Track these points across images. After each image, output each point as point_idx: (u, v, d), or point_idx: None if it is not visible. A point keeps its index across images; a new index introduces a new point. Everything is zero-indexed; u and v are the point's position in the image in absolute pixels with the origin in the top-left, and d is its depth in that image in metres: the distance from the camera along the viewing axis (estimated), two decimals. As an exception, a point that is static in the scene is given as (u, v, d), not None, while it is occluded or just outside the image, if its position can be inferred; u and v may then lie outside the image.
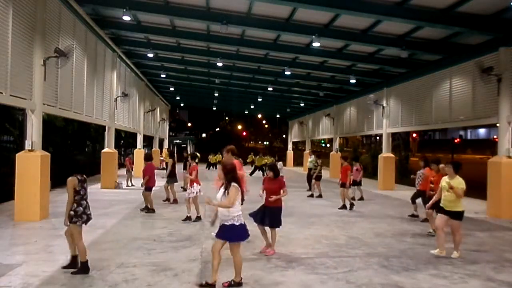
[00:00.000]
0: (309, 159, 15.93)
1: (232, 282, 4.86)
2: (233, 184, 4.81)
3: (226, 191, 4.79)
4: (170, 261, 5.87)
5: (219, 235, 4.83)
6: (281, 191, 6.45)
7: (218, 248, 4.77)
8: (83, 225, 5.33)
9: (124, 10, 11.08)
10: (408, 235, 8.05)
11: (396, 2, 10.02)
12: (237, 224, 4.78)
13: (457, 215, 6.33)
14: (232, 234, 4.79)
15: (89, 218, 5.38)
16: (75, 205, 5.20)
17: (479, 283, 5.21)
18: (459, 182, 6.32)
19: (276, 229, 6.51)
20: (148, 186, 10.22)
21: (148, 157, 10.92)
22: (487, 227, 9.15)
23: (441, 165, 8.29)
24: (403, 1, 9.89)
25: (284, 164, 15.04)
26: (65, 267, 5.29)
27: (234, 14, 11.83)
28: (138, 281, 5.01)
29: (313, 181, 14.45)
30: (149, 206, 10.18)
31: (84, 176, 5.43)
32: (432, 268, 5.80)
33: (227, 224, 4.77)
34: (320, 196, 14.01)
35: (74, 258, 5.31)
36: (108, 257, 6.06)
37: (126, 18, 11.62)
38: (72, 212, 5.17)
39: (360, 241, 7.47)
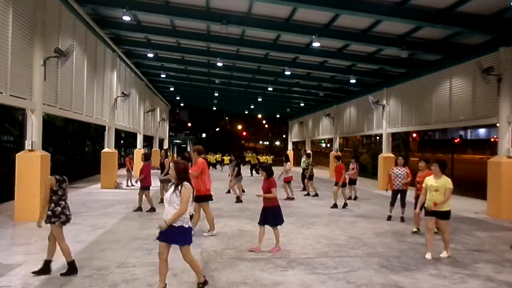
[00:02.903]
0: (302, 160, 16.10)
1: None
2: (185, 184, 4.53)
3: (177, 191, 4.48)
4: (170, 261, 5.83)
5: (163, 237, 4.50)
6: (272, 191, 6.45)
7: (164, 254, 4.52)
8: (65, 225, 5.19)
9: (124, 10, 11.08)
10: (408, 235, 8.04)
11: (396, 2, 10.02)
12: (186, 226, 4.52)
13: (445, 215, 6.31)
14: (181, 237, 4.53)
15: (68, 219, 5.19)
16: (52, 205, 5.07)
17: (479, 283, 5.20)
18: (446, 182, 6.26)
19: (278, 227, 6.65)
20: (145, 185, 10.33)
21: (146, 157, 11.02)
22: (487, 227, 9.15)
23: (420, 164, 8.27)
24: (403, 1, 9.89)
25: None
26: (35, 272, 5.06)
27: (234, 14, 11.84)
28: (138, 281, 5.01)
29: (306, 180, 14.65)
30: (150, 205, 10.26)
31: (64, 176, 5.28)
32: (432, 268, 5.80)
33: (176, 225, 4.44)
34: (316, 195, 14.11)
35: (47, 262, 5.14)
36: (108, 257, 6.05)
37: (126, 18, 11.62)
38: (50, 212, 5.05)
39: (360, 241, 7.47)
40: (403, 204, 9.44)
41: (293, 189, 13.54)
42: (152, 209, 10.19)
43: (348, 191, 12.82)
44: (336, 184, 11.59)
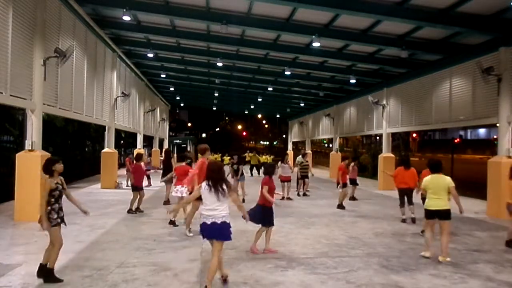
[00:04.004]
0: (297, 159, 16.18)
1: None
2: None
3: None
4: (170, 261, 5.87)
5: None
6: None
7: None
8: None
9: (124, 10, 11.08)
10: (408, 235, 8.05)
11: (396, 2, 10.02)
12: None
13: None
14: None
15: None
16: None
17: (479, 283, 5.21)
18: None
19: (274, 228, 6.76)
20: (135, 186, 10.24)
21: (137, 158, 10.85)
22: (487, 227, 9.16)
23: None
24: (403, 1, 9.89)
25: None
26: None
27: (234, 14, 11.83)
28: (138, 281, 5.01)
29: (305, 180, 14.58)
30: (135, 206, 10.15)
31: None
32: (432, 268, 5.80)
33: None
34: (304, 194, 14.19)
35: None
36: (108, 257, 6.05)
37: (126, 18, 11.62)
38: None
39: (360, 241, 7.47)
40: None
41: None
42: (130, 210, 10.03)
43: (350, 191, 12.86)
44: (344, 185, 11.60)
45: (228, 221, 4.64)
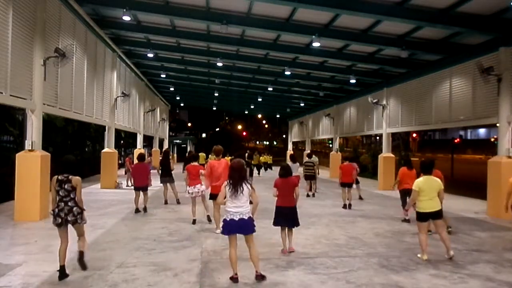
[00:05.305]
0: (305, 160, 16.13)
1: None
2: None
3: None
4: (170, 261, 5.87)
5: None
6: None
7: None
8: (59, 227, 5.04)
9: (124, 10, 11.08)
10: (408, 235, 8.04)
11: (396, 2, 10.02)
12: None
13: None
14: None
15: (55, 221, 4.99)
16: (55, 205, 4.99)
17: (479, 283, 5.20)
18: None
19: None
20: (135, 186, 10.25)
21: (139, 157, 10.78)
22: (487, 227, 9.15)
23: None
24: (403, 1, 9.89)
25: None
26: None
27: (234, 14, 11.84)
28: (138, 281, 5.01)
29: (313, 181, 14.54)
30: (135, 206, 10.16)
31: (65, 176, 5.02)
32: (432, 268, 5.80)
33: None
34: (307, 195, 14.08)
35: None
36: (108, 257, 6.06)
37: (126, 18, 11.63)
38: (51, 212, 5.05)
39: (360, 241, 7.47)
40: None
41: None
42: (137, 210, 10.09)
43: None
44: (350, 185, 11.60)
45: (251, 216, 5.06)
